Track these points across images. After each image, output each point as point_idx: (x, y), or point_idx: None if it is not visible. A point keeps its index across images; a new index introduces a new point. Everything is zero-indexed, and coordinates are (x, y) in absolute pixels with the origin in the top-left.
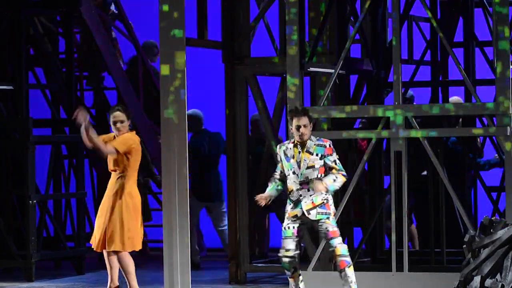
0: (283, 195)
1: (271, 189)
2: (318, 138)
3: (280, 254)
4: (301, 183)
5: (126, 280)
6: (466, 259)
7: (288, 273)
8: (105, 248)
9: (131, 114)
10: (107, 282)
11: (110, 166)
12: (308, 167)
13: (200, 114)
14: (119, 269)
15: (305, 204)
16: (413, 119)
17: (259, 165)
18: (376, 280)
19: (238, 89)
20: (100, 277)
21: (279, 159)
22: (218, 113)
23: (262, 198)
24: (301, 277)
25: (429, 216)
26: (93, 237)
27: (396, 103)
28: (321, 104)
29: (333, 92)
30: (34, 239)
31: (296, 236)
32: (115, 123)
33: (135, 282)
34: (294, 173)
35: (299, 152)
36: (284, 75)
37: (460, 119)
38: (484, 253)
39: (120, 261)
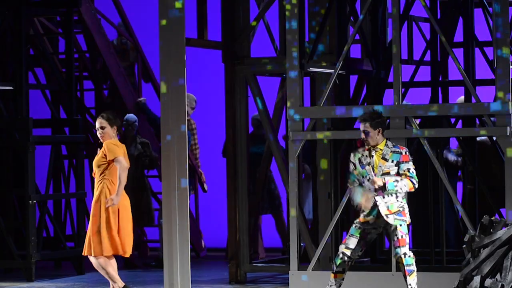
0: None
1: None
2: (394, 144)
3: (339, 248)
4: (375, 190)
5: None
6: (466, 259)
7: (334, 268)
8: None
9: (117, 122)
10: (107, 282)
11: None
12: (383, 174)
13: None
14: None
15: (383, 210)
16: (413, 119)
17: (259, 165)
18: (376, 280)
19: (238, 89)
20: (100, 277)
21: (353, 167)
22: (218, 113)
23: (352, 184)
24: (342, 281)
25: (429, 216)
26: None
27: (396, 103)
28: (321, 104)
29: (333, 92)
30: (34, 239)
31: (363, 238)
32: (97, 129)
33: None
34: (369, 180)
35: (372, 157)
36: (284, 75)
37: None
38: (484, 253)
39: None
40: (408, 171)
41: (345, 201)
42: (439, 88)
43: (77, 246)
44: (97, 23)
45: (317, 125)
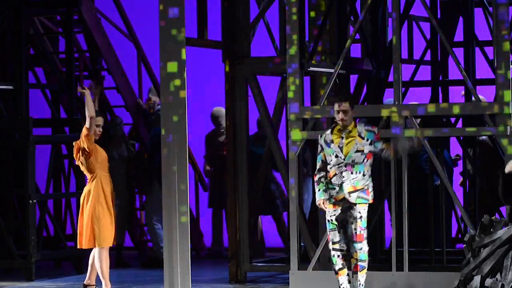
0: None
1: (324, 192)
2: (364, 123)
3: (329, 247)
4: (345, 165)
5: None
6: (466, 259)
7: (335, 268)
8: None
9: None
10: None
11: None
12: (357, 151)
13: None
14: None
15: (347, 187)
16: (413, 119)
17: (259, 165)
18: (376, 280)
19: (238, 89)
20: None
21: (320, 148)
22: None
23: (325, 204)
24: (348, 276)
25: (429, 216)
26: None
27: (396, 102)
28: (321, 104)
29: (333, 92)
30: (34, 239)
31: (340, 226)
32: (98, 126)
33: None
34: (336, 156)
35: (342, 138)
36: (284, 75)
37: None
38: (484, 252)
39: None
40: (381, 144)
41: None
42: (439, 87)
43: (77, 246)
44: (97, 23)
45: (317, 125)
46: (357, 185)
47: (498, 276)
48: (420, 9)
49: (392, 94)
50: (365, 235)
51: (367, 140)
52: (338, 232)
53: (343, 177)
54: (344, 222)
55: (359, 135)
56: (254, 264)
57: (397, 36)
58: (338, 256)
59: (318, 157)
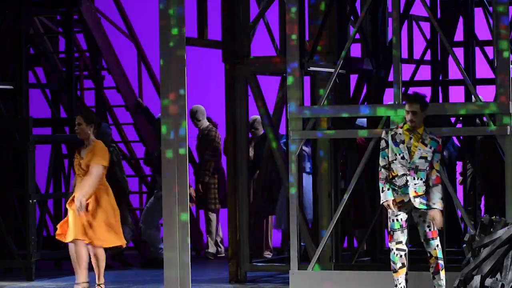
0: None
1: (392, 191)
2: (431, 132)
3: (391, 246)
4: (409, 169)
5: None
6: (466, 259)
7: (394, 266)
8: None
9: (94, 122)
10: (110, 281)
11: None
12: (421, 157)
13: None
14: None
15: (411, 191)
16: None
17: (259, 164)
18: (376, 280)
19: (238, 89)
20: None
21: (384, 144)
22: (218, 112)
23: (395, 204)
24: (407, 276)
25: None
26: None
27: (396, 102)
28: (321, 104)
29: (333, 92)
30: (34, 239)
31: (405, 227)
32: (74, 125)
33: None
34: (403, 158)
35: (410, 138)
36: (284, 74)
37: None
38: (484, 252)
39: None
40: (438, 163)
41: (345, 200)
42: (439, 87)
43: None
44: (97, 23)
45: (317, 125)
46: (419, 191)
47: (498, 276)
48: (420, 9)
49: (392, 93)
50: (437, 232)
51: (430, 147)
52: (401, 233)
53: (407, 181)
54: (407, 224)
55: (423, 142)
56: (254, 264)
57: (397, 36)
58: (401, 256)
59: (382, 152)
